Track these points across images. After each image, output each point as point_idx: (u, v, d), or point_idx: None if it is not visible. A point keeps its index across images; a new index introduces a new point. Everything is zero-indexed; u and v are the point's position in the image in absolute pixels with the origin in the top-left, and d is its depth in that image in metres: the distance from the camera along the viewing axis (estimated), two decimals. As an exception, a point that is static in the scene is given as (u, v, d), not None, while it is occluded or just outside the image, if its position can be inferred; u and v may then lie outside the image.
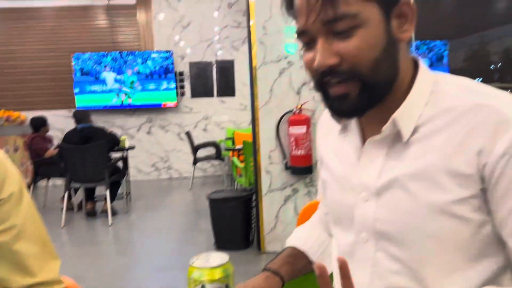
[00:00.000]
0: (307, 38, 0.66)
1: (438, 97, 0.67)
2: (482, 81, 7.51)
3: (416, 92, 0.68)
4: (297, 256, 0.90)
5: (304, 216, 1.46)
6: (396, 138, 0.69)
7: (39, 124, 5.09)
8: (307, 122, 3.02)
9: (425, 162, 0.64)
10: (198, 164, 6.65)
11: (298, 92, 3.12)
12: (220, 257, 0.68)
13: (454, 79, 0.70)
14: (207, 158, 6.22)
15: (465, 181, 0.62)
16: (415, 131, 0.67)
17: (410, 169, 0.66)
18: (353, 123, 0.77)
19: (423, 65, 0.71)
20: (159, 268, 3.05)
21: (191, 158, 6.34)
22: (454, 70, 7.25)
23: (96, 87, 6.67)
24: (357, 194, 0.73)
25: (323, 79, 0.66)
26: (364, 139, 0.74)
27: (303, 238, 0.94)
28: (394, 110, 0.67)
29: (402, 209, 0.66)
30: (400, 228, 0.67)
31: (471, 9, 6.95)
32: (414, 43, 4.33)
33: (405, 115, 0.67)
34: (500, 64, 7.59)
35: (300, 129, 3.00)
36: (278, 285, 0.83)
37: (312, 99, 3.11)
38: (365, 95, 0.64)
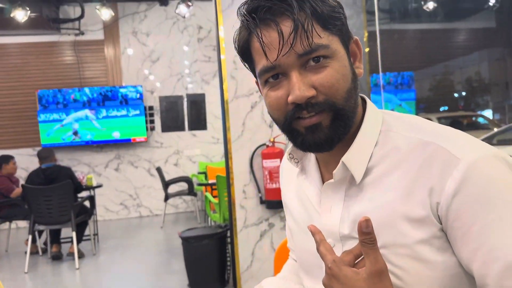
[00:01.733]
0: (274, 73, 0.64)
1: (387, 136, 0.67)
2: (447, 109, 7.81)
3: (366, 132, 0.68)
4: None
5: (281, 254, 1.41)
6: (351, 180, 0.68)
7: (1, 162, 4.84)
8: (280, 155, 3.00)
9: (381, 207, 0.63)
10: (170, 200, 6.48)
11: (271, 126, 3.11)
12: None
13: (400, 116, 0.71)
14: (179, 193, 6.07)
15: (421, 223, 0.60)
16: (368, 172, 0.66)
17: (368, 214, 0.63)
18: (311, 165, 0.76)
19: (370, 103, 0.71)
20: (130, 314, 2.87)
21: (162, 195, 6.17)
22: (421, 99, 7.52)
23: (62, 124, 6.46)
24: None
25: (296, 115, 0.64)
26: (323, 181, 0.72)
27: None
28: (345, 152, 0.67)
29: None
30: None
31: (435, 41, 7.32)
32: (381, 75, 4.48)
33: (355, 157, 0.66)
34: (463, 93, 7.96)
35: (274, 162, 2.97)
36: None
37: (284, 132, 3.10)
38: (336, 124, 0.64)
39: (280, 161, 2.98)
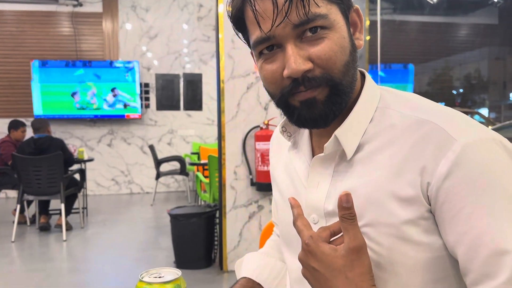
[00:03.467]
0: (269, 44, 0.61)
1: (383, 113, 0.65)
2: (444, 105, 7.82)
3: (361, 108, 0.66)
4: None
5: (267, 233, 1.40)
6: (342, 155, 0.66)
7: (9, 127, 4.80)
8: (273, 138, 2.99)
9: (370, 184, 0.62)
10: (162, 179, 6.48)
11: (266, 108, 3.09)
12: (172, 272, 0.62)
13: (399, 94, 0.68)
14: (170, 173, 6.06)
15: (410, 203, 0.58)
16: (359, 148, 0.64)
17: (356, 190, 0.62)
18: (304, 139, 0.74)
19: (369, 78, 0.69)
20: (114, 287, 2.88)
21: (153, 173, 6.16)
22: (418, 93, 7.52)
23: (55, 96, 6.39)
24: (307, 216, 0.68)
25: (293, 91, 0.61)
26: (314, 155, 0.71)
27: (258, 268, 0.89)
28: (339, 125, 0.64)
29: None
30: None
31: (437, 34, 7.28)
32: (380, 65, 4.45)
33: (348, 132, 0.64)
34: (461, 89, 7.95)
35: (267, 145, 2.95)
36: None
37: (279, 115, 3.08)
38: (333, 99, 0.61)
39: (273, 144, 2.97)
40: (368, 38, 3.81)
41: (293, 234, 0.74)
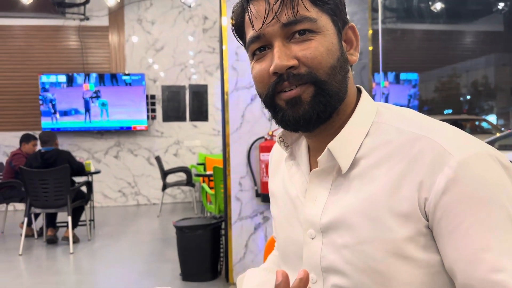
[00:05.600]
0: (260, 44, 0.64)
1: (379, 128, 0.65)
2: (451, 112, 7.78)
3: (356, 122, 0.66)
4: None
5: (271, 247, 1.39)
6: (339, 170, 0.66)
7: (21, 140, 4.89)
8: (278, 148, 2.99)
9: (367, 199, 0.61)
10: (168, 190, 6.48)
11: (270, 119, 3.08)
12: None
13: (395, 109, 0.69)
14: (177, 183, 6.07)
15: (407, 219, 0.58)
16: (355, 163, 0.64)
17: (353, 206, 0.62)
18: (301, 152, 0.74)
19: (366, 94, 0.70)
20: (120, 301, 2.88)
21: (160, 184, 6.17)
22: (425, 101, 7.48)
23: (63, 108, 6.47)
24: (304, 231, 0.69)
25: (278, 88, 0.63)
26: (311, 168, 0.71)
27: (259, 285, 0.87)
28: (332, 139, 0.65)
29: (348, 249, 0.62)
30: (347, 268, 0.63)
31: (441, 42, 7.26)
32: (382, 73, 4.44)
33: (342, 145, 0.64)
34: (468, 96, 7.90)
35: (271, 156, 2.96)
36: None
37: (283, 126, 3.08)
38: (318, 99, 0.62)
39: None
40: (370, 48, 3.81)
41: (290, 250, 0.74)
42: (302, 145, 0.74)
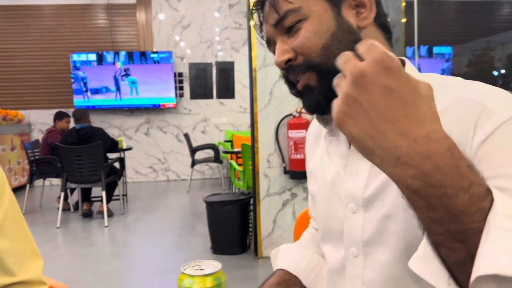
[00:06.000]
0: (272, 46, 0.69)
1: None
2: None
3: None
4: (288, 282, 0.86)
5: (301, 223, 1.42)
6: None
7: (55, 117, 5.06)
8: (306, 126, 2.97)
9: None
10: (196, 167, 6.61)
11: (298, 95, 3.07)
12: (213, 265, 0.64)
13: (439, 77, 0.68)
14: (205, 160, 6.17)
15: None
16: None
17: None
18: None
19: (409, 65, 0.70)
20: (153, 272, 3.00)
21: (189, 160, 6.29)
22: (458, 76, 7.22)
23: (94, 86, 6.62)
24: (345, 206, 0.69)
25: (288, 78, 0.68)
26: (351, 144, 0.71)
27: (294, 260, 0.90)
28: None
29: (391, 220, 0.63)
30: (389, 241, 0.63)
31: (475, 14, 6.93)
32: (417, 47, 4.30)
33: None
34: (502, 70, 7.56)
35: (299, 133, 2.95)
36: None
37: (312, 103, 3.06)
38: (324, 82, 0.63)
39: (306, 132, 2.96)
40: (403, 20, 3.69)
41: (331, 226, 0.75)
42: None
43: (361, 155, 0.66)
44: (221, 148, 6.30)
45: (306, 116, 3.03)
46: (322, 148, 0.80)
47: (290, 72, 0.66)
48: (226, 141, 6.39)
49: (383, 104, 0.42)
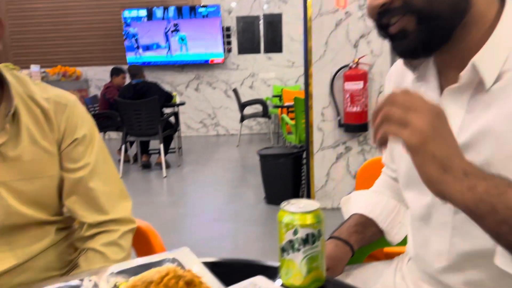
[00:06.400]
0: None
1: None
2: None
3: (502, 32, 0.61)
4: (365, 224, 0.88)
5: (364, 173, 1.43)
6: (478, 86, 0.62)
7: (111, 73, 5.23)
8: (364, 77, 2.91)
9: (509, 116, 0.58)
10: (244, 122, 6.69)
11: (355, 46, 2.98)
12: (312, 204, 0.67)
13: None
14: (253, 115, 6.22)
15: None
16: (499, 77, 0.60)
17: (495, 121, 0.60)
18: (429, 71, 0.71)
19: (510, 4, 0.64)
20: (212, 219, 3.16)
21: (237, 115, 6.37)
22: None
23: (145, 43, 6.74)
24: None
25: (381, 21, 0.64)
26: (442, 88, 0.68)
27: (369, 205, 0.91)
28: (475, 53, 0.61)
29: (487, 165, 0.60)
30: None
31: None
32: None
33: (487, 59, 0.61)
34: None
35: (356, 85, 2.90)
36: (348, 255, 0.83)
37: (370, 53, 2.97)
38: (423, 28, 0.61)
39: (364, 84, 2.90)
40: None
41: (417, 175, 0.75)
42: (430, 65, 0.72)
43: (455, 99, 0.66)
44: (268, 103, 6.31)
45: (363, 67, 2.95)
46: None
47: (384, 16, 0.62)
48: (274, 96, 6.37)
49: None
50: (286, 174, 3.33)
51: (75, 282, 0.60)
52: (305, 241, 0.63)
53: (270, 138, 6.32)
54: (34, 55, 6.82)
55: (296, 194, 3.40)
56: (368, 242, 0.89)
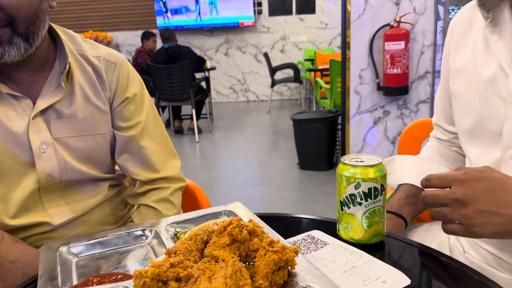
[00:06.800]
0: None
1: None
2: None
3: None
4: (417, 195, 0.84)
5: (407, 137, 1.36)
6: None
7: (142, 37, 5.21)
8: (406, 37, 2.76)
9: None
10: (275, 88, 6.60)
11: (397, 3, 2.82)
12: (373, 158, 0.63)
13: None
14: (284, 80, 6.11)
15: None
16: None
17: None
18: (505, 16, 0.65)
19: None
20: (245, 183, 3.17)
21: (268, 81, 6.28)
22: None
23: (174, 6, 6.65)
24: (509, 104, 0.63)
25: None
26: None
27: (420, 173, 0.85)
28: None
29: None
30: None
31: None
32: None
33: None
34: None
35: (398, 45, 2.75)
36: (401, 227, 0.80)
37: (412, 11, 2.80)
38: None
39: (405, 44, 2.75)
40: None
41: (484, 127, 0.69)
42: (505, 9, 0.66)
43: None
44: (300, 67, 6.17)
45: (405, 26, 2.80)
46: (474, 43, 0.72)
47: None
48: (306, 60, 6.21)
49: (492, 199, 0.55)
50: (320, 139, 3.27)
51: (137, 231, 0.63)
52: (368, 195, 0.62)
53: (302, 104, 6.22)
54: (65, 20, 6.87)
55: (330, 160, 3.35)
56: (420, 212, 0.86)
